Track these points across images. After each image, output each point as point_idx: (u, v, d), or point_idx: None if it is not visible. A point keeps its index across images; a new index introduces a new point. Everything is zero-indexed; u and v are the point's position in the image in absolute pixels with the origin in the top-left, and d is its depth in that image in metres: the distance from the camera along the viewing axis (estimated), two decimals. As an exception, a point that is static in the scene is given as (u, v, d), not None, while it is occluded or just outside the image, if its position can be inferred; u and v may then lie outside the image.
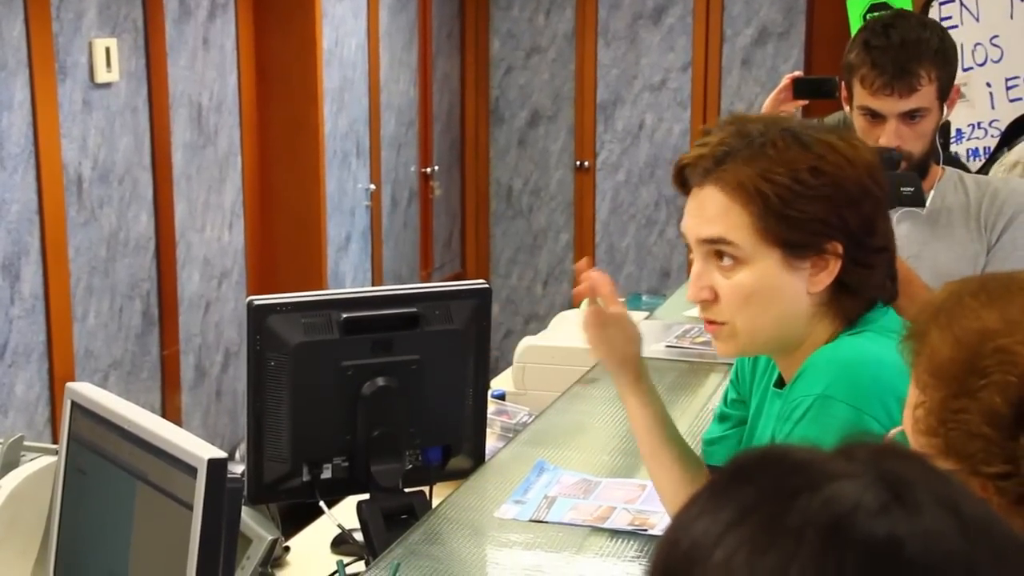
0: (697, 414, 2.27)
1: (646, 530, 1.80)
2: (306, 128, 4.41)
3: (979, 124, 3.06)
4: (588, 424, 2.31)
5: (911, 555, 0.56)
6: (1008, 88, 3.04)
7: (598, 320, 1.61)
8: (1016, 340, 0.92)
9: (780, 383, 1.50)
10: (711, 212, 1.39)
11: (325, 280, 4.53)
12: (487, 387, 2.02)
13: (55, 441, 3.14)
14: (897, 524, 0.57)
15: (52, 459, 1.77)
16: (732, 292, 1.39)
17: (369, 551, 1.85)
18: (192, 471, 1.31)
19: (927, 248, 2.07)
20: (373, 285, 4.85)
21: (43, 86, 3.21)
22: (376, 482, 1.86)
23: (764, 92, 5.38)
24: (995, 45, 2.76)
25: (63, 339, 3.35)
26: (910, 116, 2.06)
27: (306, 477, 1.86)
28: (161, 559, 1.37)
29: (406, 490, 1.89)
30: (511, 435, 2.32)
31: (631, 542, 1.78)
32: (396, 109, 5.12)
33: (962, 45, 2.62)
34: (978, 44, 3.03)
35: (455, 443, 1.95)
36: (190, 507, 1.31)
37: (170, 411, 3.82)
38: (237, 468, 1.55)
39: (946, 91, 2.09)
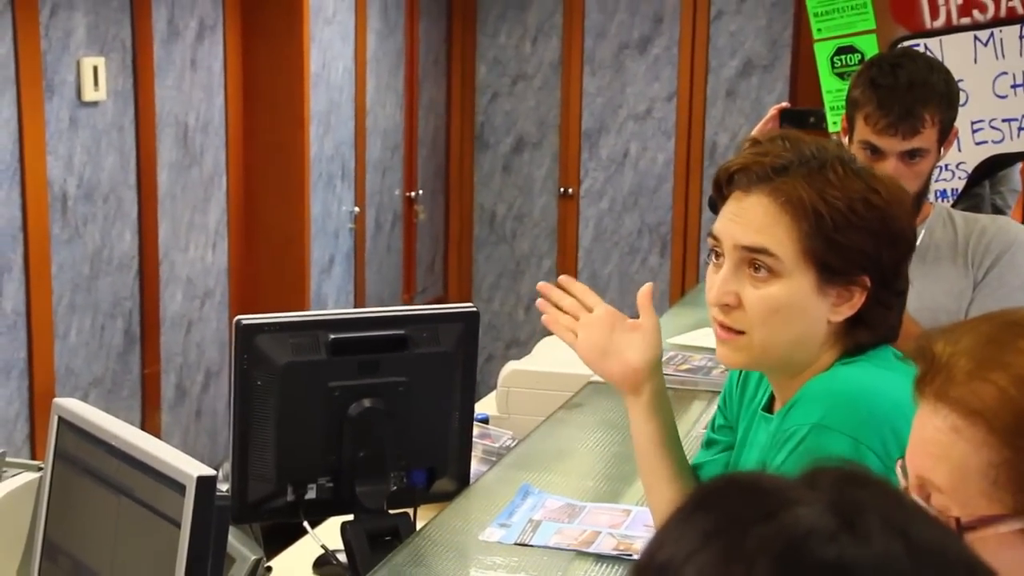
0: (681, 441, 2.27)
1: (631, 555, 1.80)
2: (292, 150, 4.42)
3: (946, 166, 3.11)
4: (572, 449, 2.31)
5: None
6: (974, 131, 3.08)
7: (608, 323, 1.57)
8: None
9: (768, 408, 1.50)
10: (758, 220, 1.37)
11: (308, 302, 4.53)
12: (473, 410, 2.02)
13: (33, 458, 3.13)
14: (846, 549, 0.58)
15: (34, 475, 1.77)
16: (760, 303, 1.38)
17: (352, 572, 1.85)
18: (180, 488, 1.30)
19: (914, 283, 2.09)
20: (356, 308, 4.84)
21: (30, 103, 3.21)
22: (361, 503, 1.85)
23: (748, 123, 5.43)
24: (960, 89, 2.81)
25: (44, 356, 3.33)
26: (910, 156, 2.08)
27: (291, 497, 1.85)
28: (147, 576, 1.37)
29: (390, 511, 1.89)
30: (494, 459, 2.32)
31: (616, 567, 1.79)
32: (382, 133, 5.13)
33: None
34: None
35: (440, 465, 1.96)
36: (178, 524, 1.30)
37: (150, 430, 3.78)
38: (220, 487, 1.55)
39: (946, 133, 2.13)
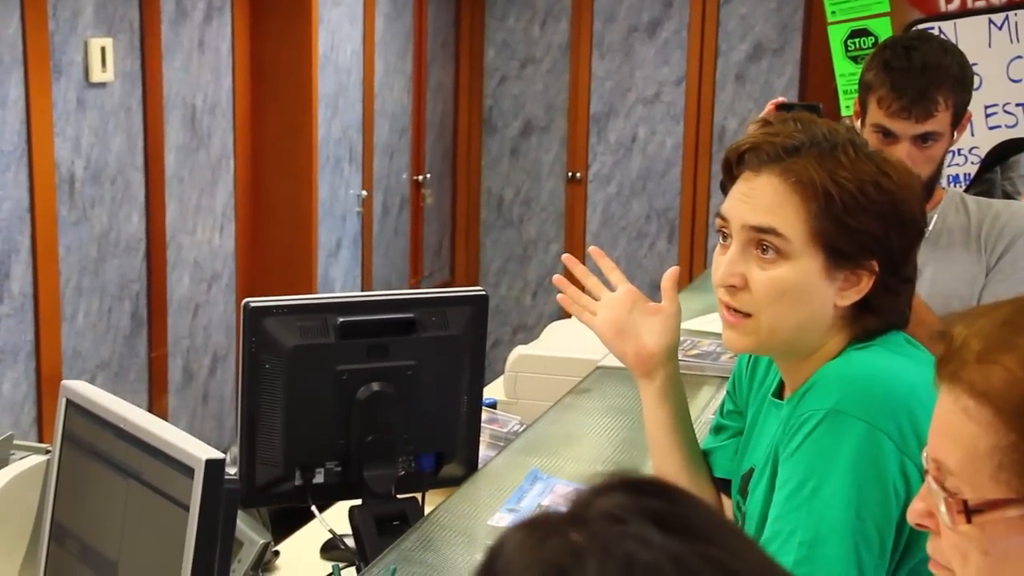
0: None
1: (639, 541, 1.79)
2: (299, 133, 4.41)
3: (959, 151, 3.10)
4: (581, 434, 2.30)
5: None
6: (987, 116, 3.07)
7: (628, 303, 1.57)
8: None
9: (778, 393, 1.49)
10: (767, 201, 1.36)
11: (315, 285, 4.52)
12: (482, 395, 2.01)
13: (40, 440, 3.13)
14: None
15: (42, 458, 1.76)
16: (767, 285, 1.37)
17: (360, 557, 1.84)
18: (189, 471, 1.30)
19: (926, 268, 2.08)
20: (363, 291, 4.84)
21: (38, 84, 3.20)
22: (369, 487, 1.85)
23: (757, 108, 5.41)
24: (974, 73, 2.82)
25: (51, 339, 3.33)
26: (923, 139, 2.08)
27: (298, 481, 1.85)
28: (155, 560, 1.36)
29: (399, 496, 1.88)
30: (502, 444, 2.31)
31: (624, 553, 1.77)
32: (389, 116, 5.12)
33: None
34: None
35: (449, 450, 1.95)
36: (186, 508, 1.29)
37: (157, 413, 3.78)
38: (228, 471, 1.54)
39: (959, 117, 2.12)
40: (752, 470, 1.47)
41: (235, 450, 1.87)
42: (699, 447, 1.63)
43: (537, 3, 5.67)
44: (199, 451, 1.31)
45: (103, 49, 3.42)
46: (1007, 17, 3.05)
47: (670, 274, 1.58)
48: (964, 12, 3.09)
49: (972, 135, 3.07)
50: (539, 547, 0.66)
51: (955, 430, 0.92)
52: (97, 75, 3.41)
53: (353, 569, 1.87)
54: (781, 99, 2.61)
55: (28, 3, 3.14)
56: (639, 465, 2.13)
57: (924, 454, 0.98)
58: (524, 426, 2.38)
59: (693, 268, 5.55)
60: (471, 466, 2.00)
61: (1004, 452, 0.90)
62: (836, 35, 3.22)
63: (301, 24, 4.33)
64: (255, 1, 4.28)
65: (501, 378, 2.74)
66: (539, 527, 0.68)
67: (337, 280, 4.76)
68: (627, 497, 0.67)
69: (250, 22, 4.26)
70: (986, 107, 3.08)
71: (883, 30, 3.17)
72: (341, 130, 4.69)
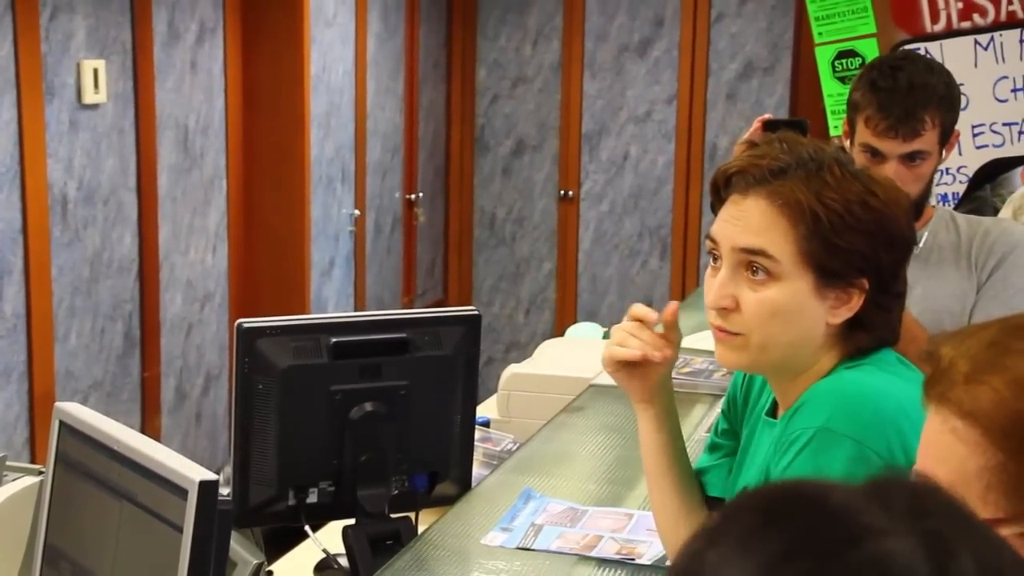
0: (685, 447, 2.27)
1: (633, 559, 1.80)
2: (292, 153, 4.41)
3: (947, 170, 3.13)
4: (574, 453, 2.31)
5: None
6: (975, 135, 3.10)
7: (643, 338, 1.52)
8: None
9: (772, 412, 1.50)
10: (756, 223, 1.37)
11: (308, 305, 4.53)
12: (475, 414, 2.01)
13: (33, 461, 3.12)
14: None
15: (34, 479, 1.76)
16: (758, 306, 1.38)
17: (354, 577, 1.85)
18: (183, 493, 1.30)
19: (917, 285, 2.09)
20: (356, 310, 4.84)
21: (30, 106, 3.21)
22: (362, 507, 1.85)
23: (748, 126, 5.42)
24: (961, 93, 2.85)
25: (44, 359, 3.33)
26: (911, 158, 2.09)
27: (292, 501, 1.85)
28: (148, 581, 1.36)
29: (392, 516, 1.89)
30: (495, 462, 2.32)
31: (618, 571, 1.78)
32: (382, 136, 5.13)
33: None
34: None
35: (442, 469, 1.95)
36: (180, 529, 1.30)
37: (149, 433, 3.78)
38: (221, 491, 1.54)
39: (947, 136, 2.13)
40: (746, 489, 1.47)
41: (228, 470, 1.87)
42: (691, 467, 1.64)
43: (528, 23, 5.70)
44: (192, 472, 1.31)
45: (95, 71, 3.43)
46: (992, 38, 3.08)
47: (671, 308, 1.53)
48: (950, 33, 3.12)
49: (960, 154, 3.09)
50: (861, 548, 0.55)
51: (943, 450, 0.93)
52: (90, 96, 3.42)
53: (347, 589, 1.87)
54: (767, 116, 2.62)
55: (21, 25, 3.15)
56: (633, 484, 2.13)
57: (912, 473, 0.99)
58: (517, 445, 2.38)
59: (686, 285, 5.56)
60: (464, 485, 2.00)
61: (992, 472, 0.90)
62: (823, 56, 3.25)
63: (293, 45, 4.35)
64: (247, 22, 4.29)
65: (494, 396, 2.74)
66: (831, 517, 0.57)
67: (330, 300, 4.76)
68: (926, 489, 0.61)
69: (242, 43, 4.27)
70: (973, 127, 3.11)
71: (870, 51, 3.20)
72: (333, 150, 4.71)
